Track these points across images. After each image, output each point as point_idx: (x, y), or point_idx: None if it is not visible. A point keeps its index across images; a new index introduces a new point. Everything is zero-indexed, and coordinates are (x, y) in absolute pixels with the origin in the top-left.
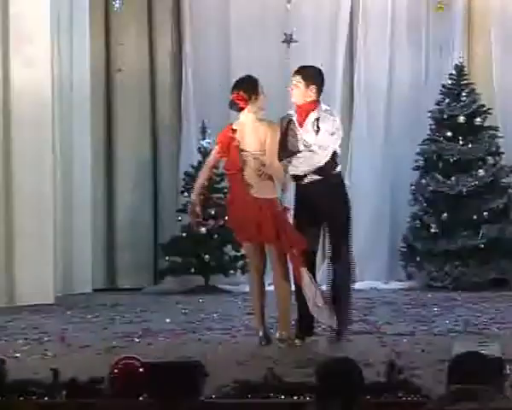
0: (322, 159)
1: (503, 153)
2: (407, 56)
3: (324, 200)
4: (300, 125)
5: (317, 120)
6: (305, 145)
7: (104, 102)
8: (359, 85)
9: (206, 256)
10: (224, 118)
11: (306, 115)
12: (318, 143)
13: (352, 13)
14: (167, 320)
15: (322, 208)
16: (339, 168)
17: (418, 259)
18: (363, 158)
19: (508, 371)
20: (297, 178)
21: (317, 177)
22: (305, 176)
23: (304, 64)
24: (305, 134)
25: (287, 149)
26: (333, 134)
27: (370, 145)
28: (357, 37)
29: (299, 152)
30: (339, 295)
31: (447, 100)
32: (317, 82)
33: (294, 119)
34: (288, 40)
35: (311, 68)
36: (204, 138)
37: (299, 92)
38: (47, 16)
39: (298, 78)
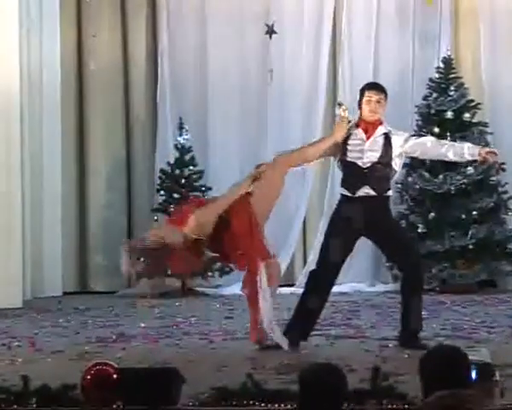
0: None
1: None
2: (393, 50)
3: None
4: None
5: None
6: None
7: (76, 97)
8: (344, 80)
9: None
10: (202, 113)
11: (374, 130)
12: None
13: (336, 5)
14: (142, 325)
15: (372, 224)
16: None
17: None
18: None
19: (497, 377)
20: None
21: (372, 193)
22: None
23: (284, 57)
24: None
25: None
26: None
27: None
28: (342, 29)
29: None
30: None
31: (434, 94)
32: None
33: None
34: (270, 31)
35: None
36: (181, 134)
37: (383, 111)
38: (15, 8)
39: (383, 96)
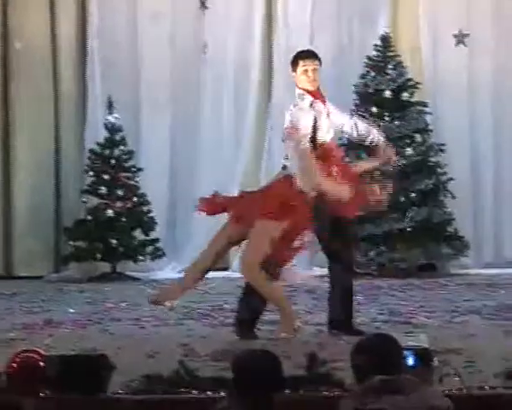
0: None
1: (431, 130)
2: (330, 25)
3: None
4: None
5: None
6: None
7: (1, 74)
8: (279, 53)
9: (114, 241)
10: (134, 91)
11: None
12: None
13: None
14: (71, 310)
15: None
16: None
17: None
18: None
19: (436, 363)
20: None
21: None
22: None
23: (217, 31)
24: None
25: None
26: None
27: None
28: (278, 4)
29: None
30: None
31: (372, 73)
32: None
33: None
34: (203, 5)
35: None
36: (111, 113)
37: (318, 77)
38: None
39: (317, 62)
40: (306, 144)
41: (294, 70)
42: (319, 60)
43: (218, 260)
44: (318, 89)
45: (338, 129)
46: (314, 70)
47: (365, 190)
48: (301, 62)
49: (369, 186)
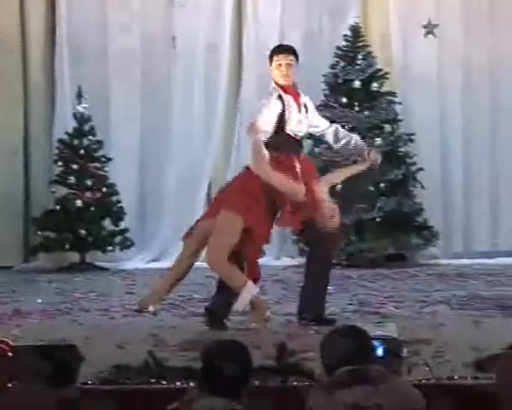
0: None
1: (400, 120)
2: (299, 16)
3: None
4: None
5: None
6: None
7: None
8: (248, 46)
9: (83, 231)
10: (103, 81)
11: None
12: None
13: None
14: (39, 301)
15: None
16: None
17: None
18: None
19: (405, 353)
20: None
21: None
22: None
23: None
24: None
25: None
26: None
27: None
28: None
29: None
30: None
31: (342, 63)
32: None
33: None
34: None
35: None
36: (80, 103)
37: (293, 73)
38: None
39: (292, 57)
40: (262, 138)
41: (270, 64)
42: (295, 55)
43: (192, 260)
44: (294, 85)
45: (314, 130)
46: (288, 65)
47: (320, 204)
48: (275, 57)
49: (329, 203)
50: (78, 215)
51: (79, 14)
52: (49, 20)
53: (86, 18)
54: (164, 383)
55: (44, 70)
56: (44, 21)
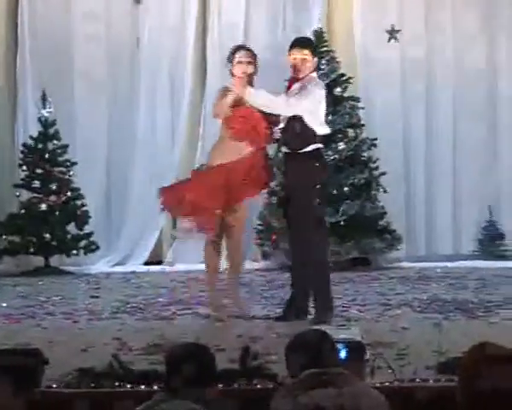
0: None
1: (363, 125)
2: (263, 18)
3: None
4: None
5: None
6: None
7: None
8: (213, 47)
9: (47, 235)
10: (67, 84)
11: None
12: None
13: None
14: (3, 304)
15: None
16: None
17: (274, 237)
18: (217, 126)
19: (368, 356)
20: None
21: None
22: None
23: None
24: None
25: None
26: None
27: None
28: None
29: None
30: None
31: None
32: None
33: None
34: (137, 0)
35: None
36: (44, 107)
37: (310, 65)
38: None
39: (307, 51)
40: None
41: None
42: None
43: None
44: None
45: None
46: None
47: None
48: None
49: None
50: (43, 219)
51: (42, 17)
52: (10, 24)
53: (49, 21)
54: (128, 386)
55: (7, 74)
56: (5, 25)
